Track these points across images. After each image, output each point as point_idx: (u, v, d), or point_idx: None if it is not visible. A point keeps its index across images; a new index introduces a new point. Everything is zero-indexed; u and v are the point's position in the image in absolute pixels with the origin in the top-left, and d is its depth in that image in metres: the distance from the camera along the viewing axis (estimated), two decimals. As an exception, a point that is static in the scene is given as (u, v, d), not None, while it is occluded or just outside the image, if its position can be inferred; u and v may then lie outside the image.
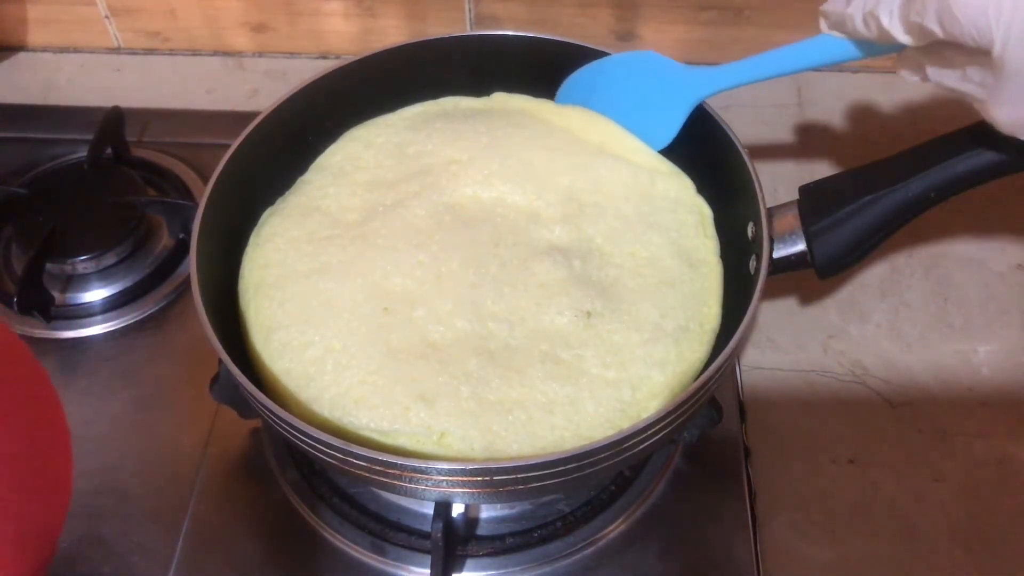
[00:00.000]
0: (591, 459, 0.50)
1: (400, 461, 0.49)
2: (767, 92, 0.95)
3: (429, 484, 0.51)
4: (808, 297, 0.78)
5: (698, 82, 0.64)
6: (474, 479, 0.50)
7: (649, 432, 0.51)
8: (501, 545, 0.64)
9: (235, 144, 0.65)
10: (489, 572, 0.63)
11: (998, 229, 0.83)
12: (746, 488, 0.66)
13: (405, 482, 0.52)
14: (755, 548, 0.63)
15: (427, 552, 0.62)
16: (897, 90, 0.94)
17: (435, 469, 0.49)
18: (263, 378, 0.59)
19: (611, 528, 0.64)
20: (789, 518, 0.65)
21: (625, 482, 0.66)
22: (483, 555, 0.63)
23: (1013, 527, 0.65)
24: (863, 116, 0.92)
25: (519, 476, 0.50)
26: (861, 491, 0.67)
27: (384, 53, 0.72)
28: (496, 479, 0.50)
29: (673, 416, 0.52)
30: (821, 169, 0.87)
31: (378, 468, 0.50)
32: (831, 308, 0.78)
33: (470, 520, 0.64)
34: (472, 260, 0.61)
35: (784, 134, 0.91)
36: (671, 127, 0.66)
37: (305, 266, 0.62)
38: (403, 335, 0.58)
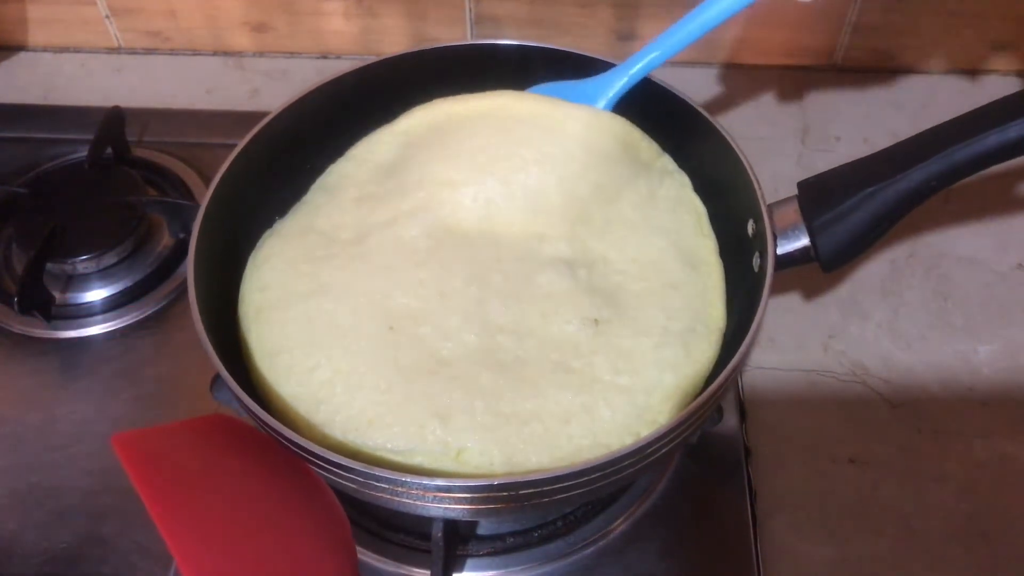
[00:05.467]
0: (615, 467, 0.50)
1: (425, 482, 0.48)
2: (767, 92, 0.95)
3: (451, 502, 0.51)
4: (809, 297, 0.79)
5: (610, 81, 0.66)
6: (499, 494, 0.50)
7: (671, 436, 0.51)
8: (502, 545, 0.64)
9: (223, 166, 0.63)
10: (490, 572, 0.63)
11: (998, 229, 0.83)
12: (746, 488, 0.66)
13: (428, 502, 0.51)
14: (755, 548, 0.63)
15: (427, 552, 0.62)
16: (897, 89, 0.94)
17: (460, 487, 0.49)
18: (270, 402, 0.58)
19: (612, 527, 0.64)
20: (789, 518, 0.65)
21: (625, 482, 0.66)
22: (483, 555, 0.63)
23: (1013, 527, 0.65)
24: (863, 115, 0.92)
25: (545, 489, 0.49)
26: (861, 491, 0.67)
27: (378, 64, 0.71)
28: (522, 493, 0.50)
29: (695, 417, 0.52)
30: (822, 169, 0.87)
31: (401, 490, 0.50)
32: (832, 308, 0.78)
33: (470, 520, 0.64)
34: (475, 276, 0.61)
35: (784, 134, 0.91)
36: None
37: (304, 287, 0.61)
38: (411, 353, 0.57)
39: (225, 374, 0.52)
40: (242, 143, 0.64)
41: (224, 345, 0.57)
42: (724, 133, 0.64)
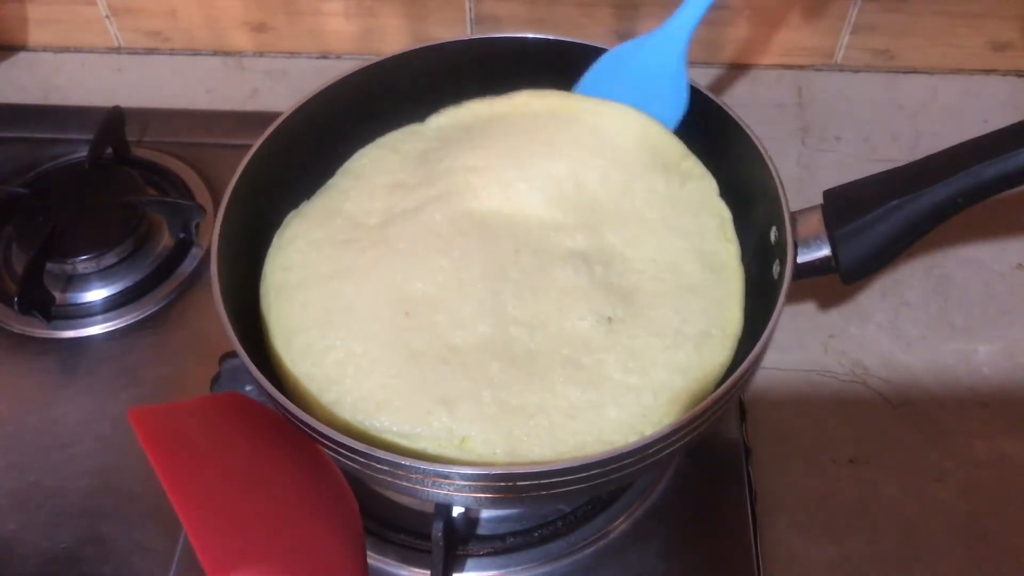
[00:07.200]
0: (616, 465, 0.50)
1: (423, 466, 0.49)
2: (767, 92, 0.95)
3: (451, 489, 0.51)
4: (809, 297, 0.79)
5: (673, 33, 0.68)
6: (497, 484, 0.50)
7: (673, 438, 0.51)
8: (502, 545, 0.64)
9: (255, 146, 0.64)
10: (490, 572, 0.63)
11: (998, 229, 0.83)
12: (746, 488, 0.66)
13: (427, 486, 0.51)
14: (755, 548, 0.63)
15: (427, 552, 0.62)
16: (897, 89, 0.94)
17: (458, 474, 0.49)
18: (284, 381, 0.59)
19: (612, 527, 0.64)
20: (789, 518, 0.65)
21: (625, 482, 0.66)
22: (484, 555, 0.63)
23: (1013, 527, 0.65)
24: (863, 115, 0.92)
25: (543, 481, 0.49)
26: (861, 491, 0.67)
27: (393, 59, 0.71)
28: (520, 484, 0.50)
29: (699, 421, 0.52)
30: (822, 169, 0.88)
31: (400, 473, 0.50)
32: (832, 308, 0.78)
33: (470, 520, 0.64)
34: (493, 266, 0.61)
35: (784, 134, 0.91)
36: (681, 91, 0.68)
37: (327, 269, 0.62)
38: (424, 339, 0.58)
39: (239, 348, 0.53)
40: (274, 124, 0.65)
41: (239, 324, 0.57)
42: (753, 138, 0.63)
